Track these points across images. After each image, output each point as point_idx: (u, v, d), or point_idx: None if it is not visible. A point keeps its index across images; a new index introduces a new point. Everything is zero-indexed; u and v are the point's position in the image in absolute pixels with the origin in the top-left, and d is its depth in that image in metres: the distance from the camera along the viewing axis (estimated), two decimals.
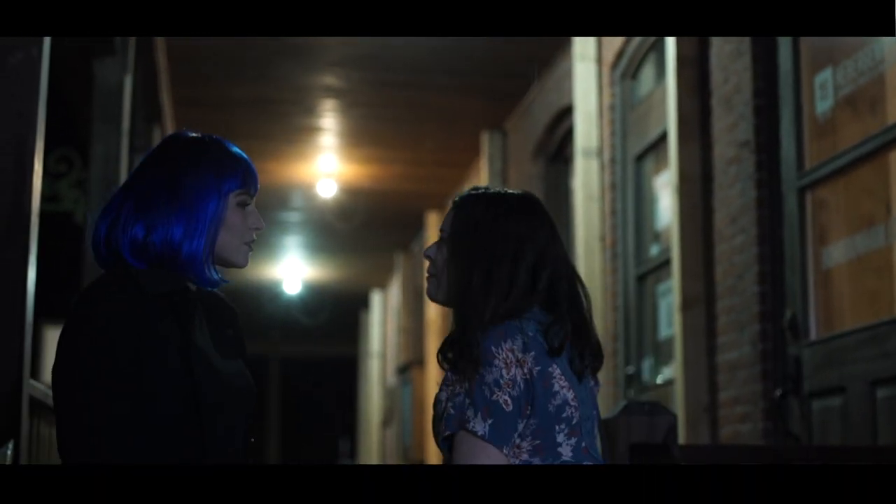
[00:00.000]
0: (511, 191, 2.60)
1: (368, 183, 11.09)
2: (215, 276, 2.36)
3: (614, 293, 6.90)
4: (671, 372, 6.10)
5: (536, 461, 2.38)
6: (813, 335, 4.88)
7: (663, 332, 6.41)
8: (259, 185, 2.42)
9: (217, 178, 2.32)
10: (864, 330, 4.47)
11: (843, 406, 4.57)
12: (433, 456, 11.72)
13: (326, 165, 10.52)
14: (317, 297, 16.66)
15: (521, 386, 2.36)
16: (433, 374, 11.90)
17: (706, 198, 5.62)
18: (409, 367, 13.03)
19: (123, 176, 5.89)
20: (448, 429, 2.37)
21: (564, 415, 2.40)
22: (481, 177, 9.76)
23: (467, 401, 2.35)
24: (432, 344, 11.94)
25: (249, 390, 2.36)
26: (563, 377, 2.40)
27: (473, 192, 2.59)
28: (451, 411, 2.37)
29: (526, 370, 2.37)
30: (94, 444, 2.12)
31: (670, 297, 6.05)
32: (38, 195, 3.29)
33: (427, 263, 2.64)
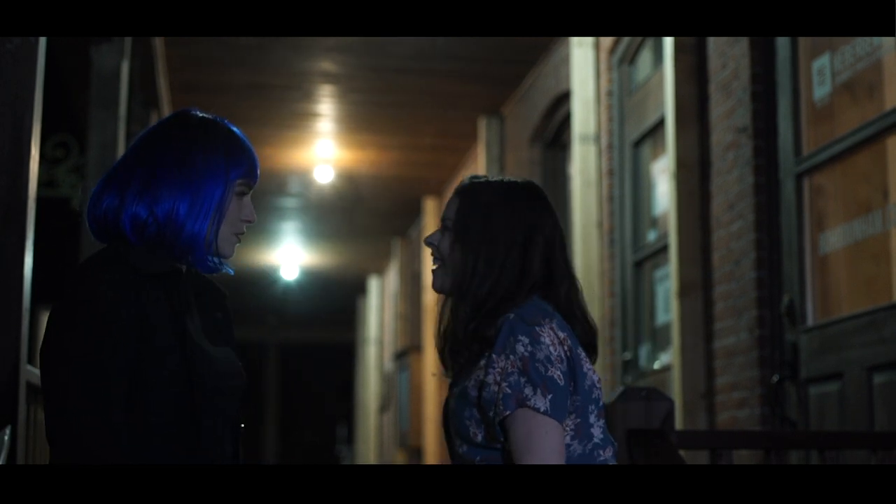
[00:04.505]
0: (514, 178, 2.60)
1: (366, 168, 11.08)
2: (215, 263, 2.33)
3: (611, 279, 6.91)
4: (668, 358, 6.11)
5: (575, 445, 2.40)
6: (810, 321, 4.89)
7: (660, 317, 6.42)
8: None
9: (226, 163, 2.30)
10: (862, 316, 4.48)
11: (840, 392, 4.58)
12: (430, 442, 11.73)
13: (324, 151, 10.51)
14: (311, 280, 16.67)
15: (566, 363, 2.38)
16: (430, 360, 11.90)
17: (704, 184, 5.62)
18: (407, 353, 13.04)
19: None
20: (507, 409, 2.33)
21: (594, 396, 2.43)
22: (479, 162, 9.76)
23: (522, 379, 2.33)
24: (430, 330, 11.92)
25: (239, 376, 2.33)
26: (587, 360, 2.44)
27: (477, 179, 2.58)
28: (508, 391, 2.34)
29: (566, 347, 2.40)
30: (86, 432, 2.09)
31: (668, 283, 6.06)
32: (36, 180, 3.28)
33: (429, 252, 2.62)
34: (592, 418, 2.42)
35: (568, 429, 2.39)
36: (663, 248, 6.22)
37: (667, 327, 6.15)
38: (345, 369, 22.00)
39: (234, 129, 2.37)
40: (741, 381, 5.14)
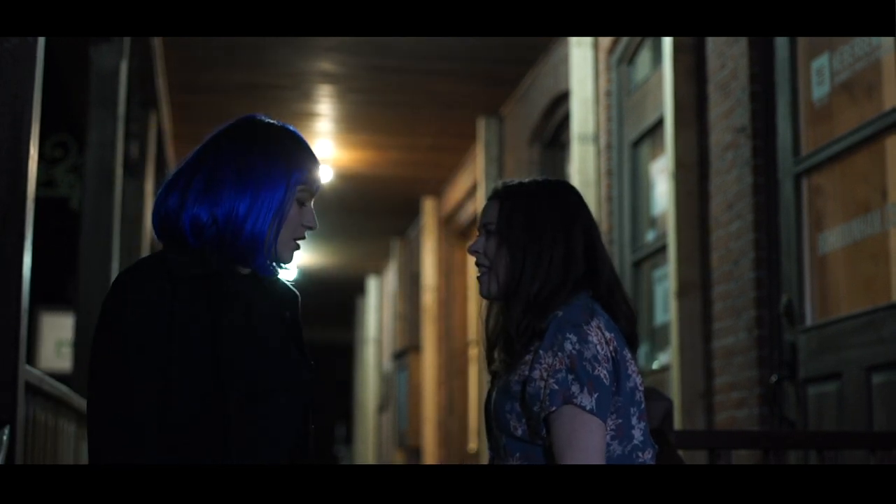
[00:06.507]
0: (545, 178, 2.67)
1: (365, 169, 11.08)
2: (274, 266, 2.32)
3: None
4: (667, 358, 6.11)
5: (615, 445, 2.42)
6: (809, 321, 4.89)
7: (659, 318, 6.42)
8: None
9: (287, 167, 2.29)
10: (860, 316, 4.48)
11: (838, 392, 4.58)
12: (429, 442, 11.73)
13: (323, 151, 10.51)
14: (310, 280, 16.65)
15: (611, 363, 2.41)
16: (429, 360, 11.90)
17: (702, 184, 5.62)
18: (406, 353, 13.04)
19: (119, 161, 5.89)
20: (553, 405, 2.36)
21: (636, 398, 2.46)
22: (478, 163, 9.76)
23: (570, 377, 2.36)
24: (428, 330, 11.94)
25: (303, 376, 2.31)
26: (633, 361, 2.47)
27: (510, 182, 2.64)
28: (555, 387, 2.37)
29: (612, 348, 2.43)
30: (116, 436, 2.12)
31: (666, 283, 6.06)
32: (34, 180, 3.28)
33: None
34: (634, 420, 2.45)
35: (609, 429, 2.41)
36: (662, 248, 6.22)
37: (665, 327, 6.15)
38: (343, 369, 21.99)
39: (299, 134, 2.37)
40: (740, 381, 5.14)
